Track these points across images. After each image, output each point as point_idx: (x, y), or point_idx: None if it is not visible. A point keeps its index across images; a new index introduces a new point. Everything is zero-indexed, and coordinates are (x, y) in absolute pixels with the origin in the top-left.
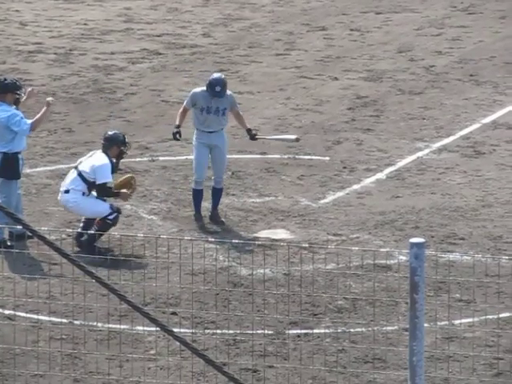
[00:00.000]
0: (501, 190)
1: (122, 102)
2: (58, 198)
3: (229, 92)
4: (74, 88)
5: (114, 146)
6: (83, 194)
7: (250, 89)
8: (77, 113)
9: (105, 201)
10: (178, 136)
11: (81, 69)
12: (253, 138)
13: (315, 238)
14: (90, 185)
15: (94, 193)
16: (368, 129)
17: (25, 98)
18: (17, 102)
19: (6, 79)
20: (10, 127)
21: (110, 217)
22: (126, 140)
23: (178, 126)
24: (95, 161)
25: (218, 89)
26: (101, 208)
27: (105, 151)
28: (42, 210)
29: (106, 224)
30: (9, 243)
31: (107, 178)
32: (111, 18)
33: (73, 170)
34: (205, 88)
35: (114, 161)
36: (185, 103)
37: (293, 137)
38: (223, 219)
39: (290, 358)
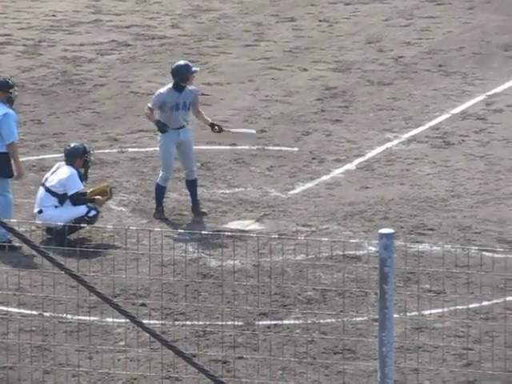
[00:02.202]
0: (470, 180)
1: (91, 94)
2: (36, 219)
3: (193, 87)
4: (42, 80)
5: (77, 159)
6: (56, 207)
7: (219, 80)
8: (46, 104)
9: None
10: (166, 128)
11: (50, 60)
12: (220, 130)
13: (284, 229)
14: (61, 197)
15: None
16: (337, 120)
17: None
18: (10, 101)
19: None
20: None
21: (90, 214)
22: (87, 148)
23: (159, 120)
24: (61, 174)
25: (195, 68)
26: (78, 210)
27: (69, 164)
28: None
29: (83, 221)
30: (17, 244)
31: (78, 187)
32: (80, 9)
33: (40, 187)
34: (170, 86)
35: (83, 171)
36: (151, 105)
37: (253, 131)
38: (204, 210)
39: (259, 349)
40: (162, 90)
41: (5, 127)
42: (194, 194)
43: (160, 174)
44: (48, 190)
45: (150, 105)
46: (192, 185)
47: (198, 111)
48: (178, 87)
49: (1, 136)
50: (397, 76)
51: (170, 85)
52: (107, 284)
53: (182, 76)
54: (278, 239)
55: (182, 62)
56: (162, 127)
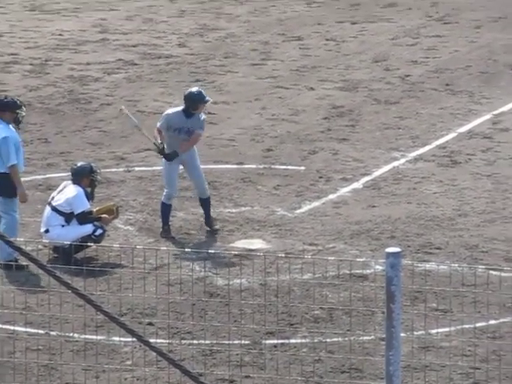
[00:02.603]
0: (476, 199)
1: (98, 113)
2: (43, 238)
3: (203, 116)
4: (49, 99)
5: (84, 178)
6: (62, 226)
7: (226, 99)
8: (53, 123)
9: None
10: (168, 155)
11: (56, 79)
12: (172, 158)
13: (291, 248)
14: (67, 216)
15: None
16: (344, 138)
17: None
18: (16, 121)
19: (6, 97)
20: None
21: (96, 233)
22: (94, 168)
23: (162, 143)
24: (68, 193)
25: (208, 98)
26: (85, 229)
27: (76, 183)
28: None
29: (89, 240)
30: (24, 263)
31: (84, 205)
32: (86, 28)
33: (46, 206)
34: (180, 109)
35: (89, 190)
36: (159, 125)
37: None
38: (217, 227)
39: (266, 368)
40: (171, 111)
41: (4, 150)
42: (207, 211)
43: (164, 192)
44: (54, 209)
45: (158, 125)
46: (205, 203)
47: (197, 136)
48: (188, 113)
49: (1, 157)
50: (403, 95)
51: (181, 108)
52: (114, 303)
53: (193, 104)
54: (284, 258)
55: (195, 90)
56: (164, 151)
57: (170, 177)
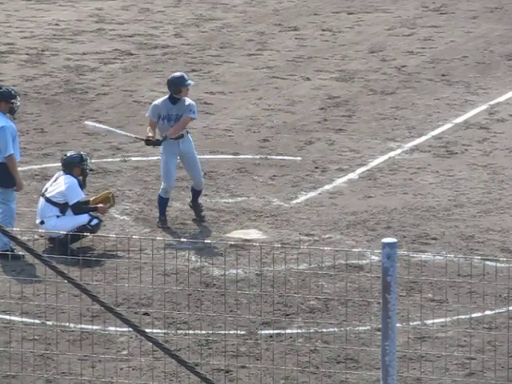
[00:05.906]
0: (473, 189)
1: (94, 103)
2: (39, 229)
3: (190, 101)
4: (45, 88)
5: (75, 168)
6: (57, 216)
7: (222, 89)
8: (49, 113)
9: None
10: (154, 141)
11: (53, 69)
12: (155, 143)
13: (287, 238)
14: (62, 206)
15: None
16: (340, 129)
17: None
18: (12, 111)
19: (1, 87)
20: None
21: (92, 223)
22: (84, 157)
23: (152, 136)
24: (61, 184)
25: (190, 81)
26: (80, 219)
27: (67, 173)
28: None
29: (85, 230)
30: (20, 253)
31: (78, 196)
32: (83, 18)
33: (40, 198)
34: (165, 97)
35: (81, 179)
36: (148, 115)
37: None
38: (203, 214)
39: (262, 359)
40: (157, 101)
41: (1, 140)
42: (196, 196)
43: (162, 186)
44: (48, 200)
45: (147, 115)
46: (196, 193)
47: (185, 120)
48: (172, 98)
49: None
50: (400, 85)
51: (167, 96)
52: (110, 293)
53: (175, 87)
54: (280, 248)
55: (177, 74)
56: (150, 141)
57: (167, 170)
